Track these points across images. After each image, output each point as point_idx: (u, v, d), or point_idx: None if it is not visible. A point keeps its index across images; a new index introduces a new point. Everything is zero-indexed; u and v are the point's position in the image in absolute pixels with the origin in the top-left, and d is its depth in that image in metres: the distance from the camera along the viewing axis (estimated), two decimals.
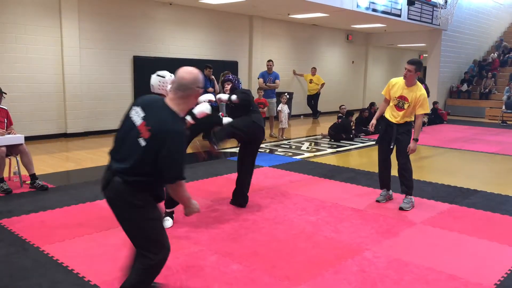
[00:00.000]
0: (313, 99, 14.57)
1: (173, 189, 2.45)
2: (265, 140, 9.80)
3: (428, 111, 4.90)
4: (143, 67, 10.59)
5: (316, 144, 9.60)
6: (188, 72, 2.47)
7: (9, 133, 5.48)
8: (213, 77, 9.36)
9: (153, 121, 2.37)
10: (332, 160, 7.83)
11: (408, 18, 13.57)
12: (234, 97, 4.71)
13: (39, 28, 8.89)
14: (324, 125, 11.99)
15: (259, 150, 8.71)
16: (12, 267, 3.35)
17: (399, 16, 13.23)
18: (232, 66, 12.32)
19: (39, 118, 9.11)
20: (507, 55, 18.15)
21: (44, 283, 3.10)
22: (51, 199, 5.08)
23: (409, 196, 5.05)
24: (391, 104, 5.08)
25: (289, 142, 9.69)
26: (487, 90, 16.83)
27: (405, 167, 4.99)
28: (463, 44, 17.21)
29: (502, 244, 4.04)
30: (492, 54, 18.42)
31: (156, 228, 2.56)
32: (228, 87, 4.96)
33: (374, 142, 9.98)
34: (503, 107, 14.93)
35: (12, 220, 4.34)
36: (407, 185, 5.02)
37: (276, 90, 10.47)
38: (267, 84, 10.09)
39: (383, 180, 5.33)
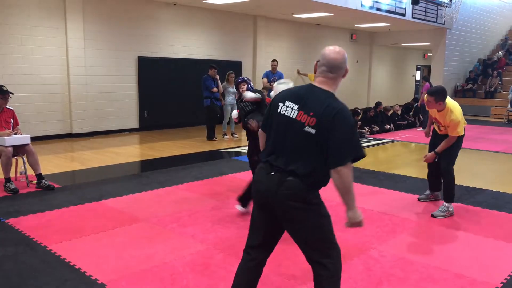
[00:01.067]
0: None
1: (340, 174, 2.21)
2: None
3: (461, 134, 4.70)
4: (148, 67, 10.64)
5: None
6: (337, 52, 2.33)
7: (15, 134, 5.52)
8: (217, 76, 9.38)
9: (314, 106, 2.25)
10: None
11: (413, 17, 13.54)
12: (252, 95, 4.63)
13: (45, 29, 8.94)
14: None
15: None
16: (21, 266, 3.37)
17: (404, 15, 13.20)
18: (236, 66, 12.34)
19: (44, 119, 9.17)
20: None
21: (52, 282, 3.13)
22: (57, 198, 5.11)
23: (446, 204, 4.76)
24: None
25: None
26: (492, 88, 16.77)
27: (444, 172, 4.84)
28: (468, 43, 17.15)
29: (508, 242, 4.03)
30: (498, 53, 18.34)
31: (331, 226, 2.45)
32: (244, 87, 4.99)
33: (379, 141, 9.99)
34: (509, 106, 14.87)
35: (19, 220, 4.37)
36: (445, 191, 4.83)
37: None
38: (271, 83, 10.09)
39: (429, 183, 5.32)
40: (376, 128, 11.17)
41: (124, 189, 5.50)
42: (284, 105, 2.34)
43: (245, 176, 6.38)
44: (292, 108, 2.31)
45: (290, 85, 3.94)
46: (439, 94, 4.56)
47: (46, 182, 5.51)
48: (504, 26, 20.03)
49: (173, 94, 11.05)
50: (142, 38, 10.46)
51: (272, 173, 2.31)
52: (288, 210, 2.31)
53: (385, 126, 11.53)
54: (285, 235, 4.11)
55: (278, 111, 2.36)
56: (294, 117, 2.29)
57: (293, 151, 2.29)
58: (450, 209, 4.75)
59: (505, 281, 3.26)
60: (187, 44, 11.40)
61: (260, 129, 2.58)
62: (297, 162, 2.27)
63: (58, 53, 9.19)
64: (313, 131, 2.22)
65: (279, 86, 4.02)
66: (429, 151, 5.10)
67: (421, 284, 3.20)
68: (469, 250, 3.88)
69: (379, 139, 10.28)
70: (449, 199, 4.77)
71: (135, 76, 10.47)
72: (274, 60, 10.42)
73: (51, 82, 9.17)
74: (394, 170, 6.94)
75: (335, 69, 2.32)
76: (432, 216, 4.71)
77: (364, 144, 9.61)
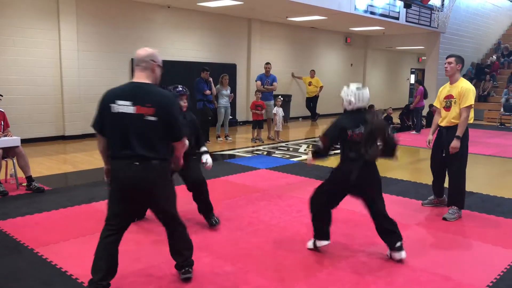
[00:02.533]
0: (312, 102, 14.59)
1: (181, 146, 2.99)
2: (263, 142, 9.83)
3: (472, 102, 4.67)
4: None
5: (314, 146, 9.59)
6: (142, 50, 2.92)
7: (5, 135, 5.49)
8: (210, 79, 9.38)
9: (149, 99, 2.77)
10: (329, 162, 7.82)
11: (406, 21, 13.59)
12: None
13: (37, 31, 8.92)
14: (323, 128, 11.99)
15: (257, 152, 8.74)
16: (6, 269, 3.35)
17: (397, 19, 13.26)
18: (231, 69, 12.35)
19: (37, 121, 9.13)
20: (505, 58, 18.17)
21: (36, 285, 3.11)
22: (47, 201, 5.09)
23: (455, 207, 4.76)
24: (441, 109, 5.01)
25: (287, 144, 9.70)
26: (485, 92, 16.85)
27: (456, 175, 4.83)
28: (462, 47, 17.22)
29: (495, 245, 4.04)
30: (492, 57, 18.45)
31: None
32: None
33: None
34: (502, 110, 14.95)
35: (7, 222, 4.35)
36: (457, 195, 4.78)
37: (274, 93, 10.49)
38: (265, 86, 10.11)
39: (434, 189, 5.21)
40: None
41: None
42: (115, 104, 2.77)
43: (238, 179, 6.38)
44: (127, 106, 2.76)
45: (365, 91, 3.81)
46: (459, 57, 4.85)
47: (36, 184, 5.48)
48: (497, 30, 20.15)
49: None
50: (135, 40, 10.45)
51: (136, 163, 2.76)
52: (153, 188, 2.87)
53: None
54: (275, 240, 4.10)
55: (115, 111, 2.77)
56: (131, 112, 2.76)
57: (147, 140, 2.78)
58: (460, 212, 4.77)
59: (491, 284, 3.27)
60: (181, 46, 11.40)
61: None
62: (153, 148, 2.79)
63: (51, 55, 9.16)
64: (154, 118, 2.76)
65: (360, 92, 3.78)
66: (435, 152, 5.03)
67: (408, 287, 3.21)
68: (457, 253, 3.89)
69: None
70: (460, 204, 4.74)
71: (129, 78, 10.45)
72: (267, 63, 10.43)
73: (43, 84, 9.14)
74: (386, 173, 6.95)
75: (139, 62, 2.87)
76: (444, 219, 4.69)
77: None
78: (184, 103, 4.27)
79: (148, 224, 4.38)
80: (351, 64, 17.42)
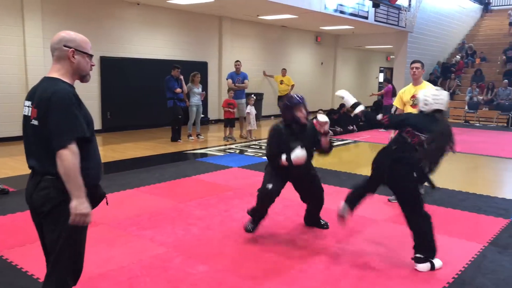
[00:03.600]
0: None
1: (61, 158, 2.06)
2: (235, 141, 9.82)
3: None
4: (110, 68, 10.43)
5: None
6: (55, 36, 2.30)
7: None
8: (181, 77, 9.30)
9: (35, 98, 2.19)
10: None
11: (375, 20, 13.84)
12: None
13: (1, 27, 8.62)
14: None
15: (230, 151, 8.72)
16: None
17: (366, 18, 13.48)
18: (202, 67, 12.28)
19: (1, 120, 8.83)
20: (469, 58, 18.74)
21: None
22: (11, 202, 4.94)
23: None
24: (406, 106, 5.43)
25: (259, 143, 9.72)
26: (451, 91, 17.35)
27: None
28: (428, 46, 17.68)
29: (461, 239, 4.18)
30: (456, 56, 18.99)
31: (82, 242, 2.29)
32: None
33: (342, 142, 10.15)
34: (466, 108, 15.43)
35: None
36: None
37: (246, 91, 10.49)
38: (236, 84, 10.10)
39: None
40: (340, 129, 11.35)
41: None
42: (25, 105, 2.28)
43: (210, 178, 6.35)
44: (28, 107, 2.25)
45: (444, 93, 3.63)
46: (422, 63, 5.44)
47: (0, 185, 5.31)
48: (461, 31, 20.76)
49: (136, 95, 10.86)
50: (104, 37, 10.25)
51: (32, 176, 2.24)
52: (44, 211, 2.18)
53: (348, 127, 11.73)
54: (247, 238, 4.11)
55: (24, 113, 2.29)
56: (29, 114, 2.22)
57: (34, 149, 2.21)
58: None
59: (456, 276, 3.37)
60: (151, 44, 11.25)
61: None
62: (41, 160, 2.17)
63: (15, 52, 8.87)
64: (36, 122, 2.16)
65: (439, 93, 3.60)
66: None
67: (378, 281, 3.27)
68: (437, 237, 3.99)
69: (342, 140, 10.46)
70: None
71: (98, 77, 10.25)
72: (237, 61, 10.40)
73: (8, 82, 8.85)
74: (356, 170, 7.07)
75: (52, 51, 2.27)
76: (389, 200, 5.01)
77: None
78: (301, 113, 3.99)
79: (119, 223, 4.31)
80: (322, 63, 17.61)
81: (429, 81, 18.42)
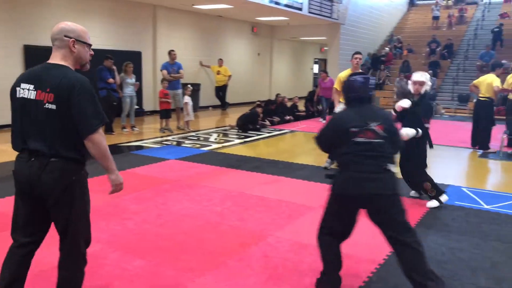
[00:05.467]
0: (221, 91, 14.62)
1: (94, 142, 2.28)
2: (172, 132, 9.66)
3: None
4: (37, 57, 9.72)
5: (224, 135, 9.66)
6: (56, 25, 2.43)
7: None
8: (114, 67, 8.96)
9: (50, 83, 2.26)
10: (240, 151, 7.93)
11: (309, 12, 14.12)
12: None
13: None
14: (233, 116, 12.10)
15: (166, 143, 8.56)
16: None
17: (301, 9, 13.71)
18: (136, 57, 11.90)
19: None
20: (397, 49, 19.69)
21: None
22: None
23: None
24: None
25: (197, 134, 9.63)
26: (381, 81, 18.15)
27: None
28: (360, 38, 18.34)
29: None
30: (385, 48, 19.88)
31: (89, 214, 2.51)
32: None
33: (279, 132, 10.30)
34: (394, 97, 16.20)
35: None
36: None
37: (182, 81, 10.32)
38: (171, 75, 9.90)
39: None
40: (277, 119, 11.52)
41: (6, 191, 5.03)
42: (20, 88, 2.34)
43: (146, 171, 6.20)
44: (28, 89, 2.31)
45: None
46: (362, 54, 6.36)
47: None
48: (390, 24, 21.77)
49: None
50: (28, 24, 9.60)
51: (32, 159, 2.29)
52: (54, 194, 2.30)
53: (285, 117, 11.93)
54: (185, 230, 4.07)
55: (17, 96, 2.34)
56: (33, 97, 2.29)
57: (46, 131, 2.28)
58: None
59: (386, 257, 3.56)
60: None
61: None
62: (52, 142, 2.28)
63: None
64: (53, 107, 2.25)
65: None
66: None
67: (314, 266, 3.37)
68: (357, 231, 4.14)
69: (279, 130, 10.62)
70: None
71: (22, 67, 9.60)
72: (172, 50, 10.18)
73: None
74: (293, 159, 7.22)
75: (53, 40, 2.40)
76: None
77: (266, 135, 9.86)
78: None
79: None
80: (258, 54, 17.72)
81: (361, 72, 19.11)
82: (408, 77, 16.71)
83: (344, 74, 6.41)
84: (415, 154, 4.87)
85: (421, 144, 4.84)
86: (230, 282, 3.09)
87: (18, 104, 2.34)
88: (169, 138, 9.05)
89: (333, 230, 3.02)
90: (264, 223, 4.25)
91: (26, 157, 2.30)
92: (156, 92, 11.73)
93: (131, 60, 9.86)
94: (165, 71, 9.86)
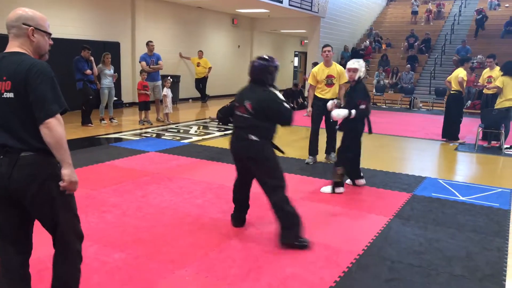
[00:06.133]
0: (201, 83, 14.51)
1: (50, 128, 2.07)
2: (151, 124, 9.56)
3: (347, 79, 5.63)
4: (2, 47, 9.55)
5: (205, 127, 9.61)
6: (13, 11, 2.26)
7: None
8: (92, 58, 8.79)
9: (7, 70, 2.12)
10: (220, 143, 7.90)
11: (289, 5, 14.10)
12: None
13: None
14: (213, 109, 12.04)
15: (146, 135, 8.47)
16: None
17: (281, 2, 13.68)
18: (114, 47, 11.70)
19: None
20: (376, 43, 19.87)
21: None
22: None
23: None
24: (319, 86, 6.42)
25: (177, 126, 9.55)
26: None
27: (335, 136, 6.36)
28: (339, 31, 18.44)
29: (370, 213, 4.47)
30: (365, 41, 20.04)
31: (75, 206, 2.34)
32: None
33: None
34: (374, 90, 16.38)
35: None
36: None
37: (161, 73, 10.21)
38: (151, 66, 9.77)
39: (312, 148, 6.51)
40: None
41: None
42: None
43: (125, 163, 6.13)
44: None
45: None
46: (332, 47, 6.51)
47: None
48: (369, 17, 21.92)
49: None
50: (1, 14, 9.32)
51: (1, 156, 2.12)
52: (30, 191, 2.14)
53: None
54: (165, 223, 4.05)
55: None
56: None
57: (9, 124, 2.11)
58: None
59: (365, 248, 3.61)
60: (57, 22, 10.44)
61: None
62: (17, 135, 2.11)
63: None
64: (11, 95, 2.10)
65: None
66: (318, 118, 6.51)
67: (294, 256, 3.40)
68: (337, 222, 4.22)
69: None
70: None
71: None
72: (150, 41, 10.03)
73: None
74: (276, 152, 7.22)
75: (9, 28, 2.23)
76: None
77: None
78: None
79: None
80: (239, 46, 17.64)
81: (339, 64, 19.20)
82: (388, 71, 16.96)
83: (317, 68, 6.52)
84: (347, 136, 5.09)
85: (354, 129, 5.04)
86: (210, 273, 3.09)
87: None
88: (149, 130, 8.96)
89: (237, 179, 3.96)
90: (247, 215, 4.25)
91: None
92: (135, 84, 11.57)
93: (109, 51, 9.69)
94: (144, 63, 9.73)
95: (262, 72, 3.64)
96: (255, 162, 3.61)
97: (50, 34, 2.31)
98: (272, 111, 3.56)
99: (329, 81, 6.37)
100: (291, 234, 3.54)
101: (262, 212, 4.37)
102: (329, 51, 6.32)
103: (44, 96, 2.08)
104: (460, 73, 8.46)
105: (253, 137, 3.55)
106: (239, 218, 3.99)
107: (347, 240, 3.75)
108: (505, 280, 3.18)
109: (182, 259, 3.29)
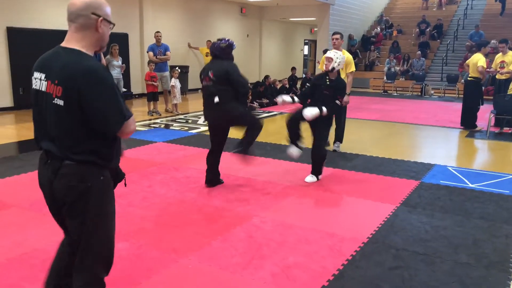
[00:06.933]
0: None
1: (127, 134, 1.98)
2: (160, 115, 9.58)
3: (354, 68, 6.43)
4: (20, 40, 9.64)
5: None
6: (74, 0, 1.96)
7: None
8: None
9: (59, 73, 1.88)
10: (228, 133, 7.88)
11: None
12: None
13: None
14: None
15: (154, 125, 8.50)
16: None
17: None
18: (122, 39, 11.73)
19: None
20: (387, 30, 19.60)
21: None
22: None
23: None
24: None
25: (186, 117, 9.56)
26: (370, 62, 18.09)
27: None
28: (349, 19, 18.21)
29: (376, 201, 4.43)
30: (376, 28, 19.77)
31: (113, 221, 2.12)
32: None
33: (268, 114, 10.27)
34: (384, 78, 16.20)
35: None
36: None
37: (169, 63, 10.20)
38: (158, 57, 9.77)
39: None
40: (266, 101, 11.46)
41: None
42: (33, 77, 2.00)
43: (133, 153, 6.15)
44: (40, 80, 1.96)
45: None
46: (341, 34, 6.42)
47: None
48: (380, 4, 21.60)
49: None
50: (10, 6, 9.39)
51: (48, 161, 1.99)
52: (67, 201, 1.99)
53: (274, 99, 11.85)
54: (170, 212, 4.06)
55: (32, 86, 2.01)
56: (44, 89, 1.94)
57: (55, 131, 1.95)
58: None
59: (370, 236, 3.58)
60: (65, 14, 10.48)
61: None
62: (62, 143, 1.94)
63: None
64: (61, 102, 1.88)
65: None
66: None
67: (297, 245, 3.39)
68: (342, 211, 4.19)
69: (268, 112, 10.58)
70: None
71: (5, 49, 9.43)
72: (157, 32, 10.01)
73: None
74: (281, 141, 7.20)
75: (74, 18, 1.96)
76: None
77: None
78: None
79: (32, 204, 4.07)
80: (247, 35, 17.54)
81: (350, 52, 19.06)
82: (399, 58, 16.73)
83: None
84: (325, 128, 5.08)
85: (329, 121, 5.13)
86: (213, 262, 3.09)
87: (32, 97, 2.01)
88: (157, 121, 8.98)
89: (211, 143, 4.77)
90: (250, 204, 4.25)
91: (45, 158, 2.01)
92: (144, 75, 11.59)
93: (117, 42, 9.69)
94: (151, 53, 9.72)
95: (218, 50, 4.50)
96: (226, 122, 4.58)
97: (114, 24, 2.08)
98: (232, 78, 4.36)
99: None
100: (248, 145, 4.57)
101: (268, 201, 4.36)
102: (337, 38, 6.30)
103: (105, 111, 1.89)
104: (479, 60, 8.22)
105: (216, 99, 4.34)
106: (209, 178, 4.77)
107: (352, 229, 3.73)
108: None
109: (185, 248, 3.29)
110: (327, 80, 4.99)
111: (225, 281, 2.87)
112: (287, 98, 5.08)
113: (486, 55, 8.51)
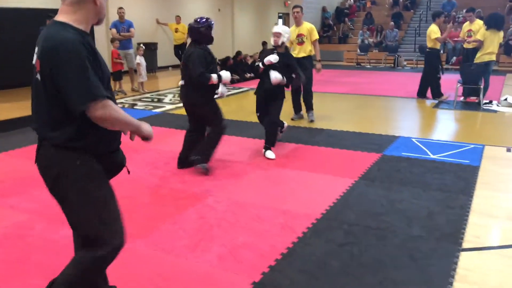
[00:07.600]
0: (180, 49, 14.08)
1: (98, 118, 1.79)
2: (125, 94, 9.33)
3: (317, 37, 6.78)
4: (2, 21, 9.16)
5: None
6: None
7: None
8: None
9: (39, 47, 1.82)
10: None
11: None
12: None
13: None
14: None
15: (119, 105, 8.26)
16: None
17: None
18: None
19: None
20: (360, 1, 19.39)
21: None
22: None
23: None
24: (292, 46, 6.66)
25: (152, 95, 9.33)
26: (344, 34, 17.93)
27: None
28: None
29: (335, 176, 4.38)
30: (349, 0, 19.53)
31: (106, 204, 2.02)
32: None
33: (238, 90, 10.10)
34: (358, 50, 16.09)
35: None
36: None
37: (137, 41, 9.88)
38: (121, 34, 9.44)
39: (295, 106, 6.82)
40: (237, 77, 11.27)
41: None
42: (34, 52, 1.89)
43: None
44: (35, 53, 1.87)
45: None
46: (301, 8, 6.82)
47: None
48: None
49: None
50: None
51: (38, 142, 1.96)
52: (49, 184, 1.94)
53: (245, 75, 11.68)
54: (123, 195, 3.92)
55: (33, 62, 1.91)
56: (34, 63, 1.87)
57: (36, 108, 1.90)
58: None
59: (324, 212, 3.53)
60: None
61: None
62: (42, 122, 1.88)
63: None
64: (39, 77, 1.82)
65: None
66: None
67: (249, 224, 3.31)
68: (299, 187, 4.12)
69: (239, 88, 10.40)
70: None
71: None
72: (120, 8, 9.65)
73: None
74: (247, 118, 7.07)
75: None
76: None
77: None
78: None
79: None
80: (219, 9, 17.12)
81: (324, 24, 18.79)
82: (372, 30, 16.60)
83: (291, 30, 6.41)
84: (279, 103, 5.05)
85: (282, 94, 5.08)
86: (159, 246, 3.00)
87: (33, 73, 1.92)
88: (122, 100, 8.74)
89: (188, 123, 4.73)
90: (206, 184, 4.16)
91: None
92: (109, 54, 11.22)
93: None
94: (114, 30, 9.40)
95: (197, 34, 4.41)
96: (196, 107, 4.51)
97: None
98: (188, 67, 4.32)
99: (299, 40, 6.69)
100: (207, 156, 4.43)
101: (224, 180, 4.27)
102: (297, 12, 6.64)
103: (70, 85, 1.75)
104: (431, 30, 8.28)
105: (181, 82, 4.50)
106: (180, 157, 4.63)
107: (306, 205, 3.67)
108: (462, 238, 3.13)
109: (132, 233, 3.16)
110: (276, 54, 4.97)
111: (168, 265, 2.79)
112: (280, 75, 4.82)
113: (441, 25, 8.56)
